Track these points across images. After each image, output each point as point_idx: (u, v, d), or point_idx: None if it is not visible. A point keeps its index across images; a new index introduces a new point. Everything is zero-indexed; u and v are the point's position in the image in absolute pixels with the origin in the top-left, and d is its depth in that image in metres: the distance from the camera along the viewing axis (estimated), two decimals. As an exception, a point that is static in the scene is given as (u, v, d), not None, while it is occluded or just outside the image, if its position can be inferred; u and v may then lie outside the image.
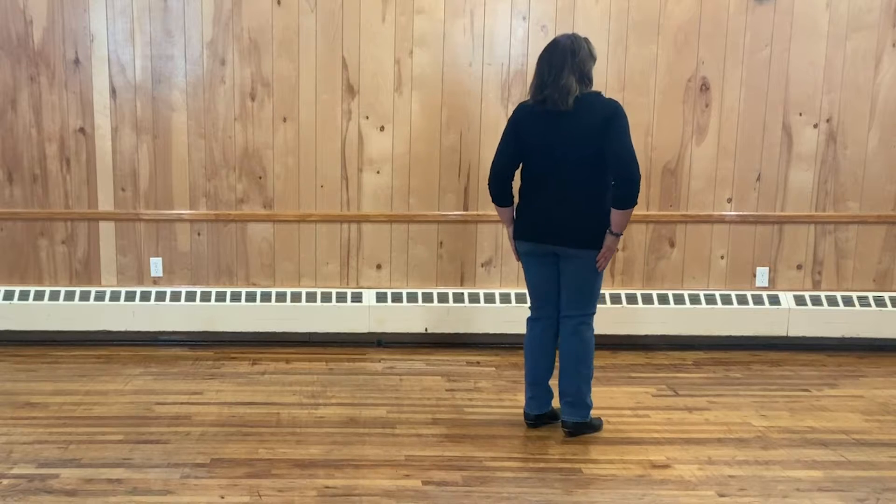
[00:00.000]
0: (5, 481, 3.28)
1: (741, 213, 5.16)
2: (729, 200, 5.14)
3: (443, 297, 5.14)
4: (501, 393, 4.40)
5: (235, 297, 5.11)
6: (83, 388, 4.39)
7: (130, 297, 5.11)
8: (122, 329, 5.11)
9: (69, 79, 4.97)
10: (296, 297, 5.12)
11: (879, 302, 5.15)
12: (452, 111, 5.03)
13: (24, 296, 5.11)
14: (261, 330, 5.13)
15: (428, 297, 5.14)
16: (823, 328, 5.15)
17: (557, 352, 3.85)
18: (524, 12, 4.94)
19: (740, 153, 5.10)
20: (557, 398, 3.87)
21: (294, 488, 3.25)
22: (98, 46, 4.94)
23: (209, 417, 3.99)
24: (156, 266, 5.16)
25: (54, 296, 5.10)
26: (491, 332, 5.14)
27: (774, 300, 5.15)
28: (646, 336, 5.17)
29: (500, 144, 3.84)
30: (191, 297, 5.12)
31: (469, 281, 5.21)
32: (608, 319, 4.82)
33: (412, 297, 5.14)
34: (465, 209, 5.13)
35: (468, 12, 4.94)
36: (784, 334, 5.16)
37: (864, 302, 5.14)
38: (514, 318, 5.05)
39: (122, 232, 5.14)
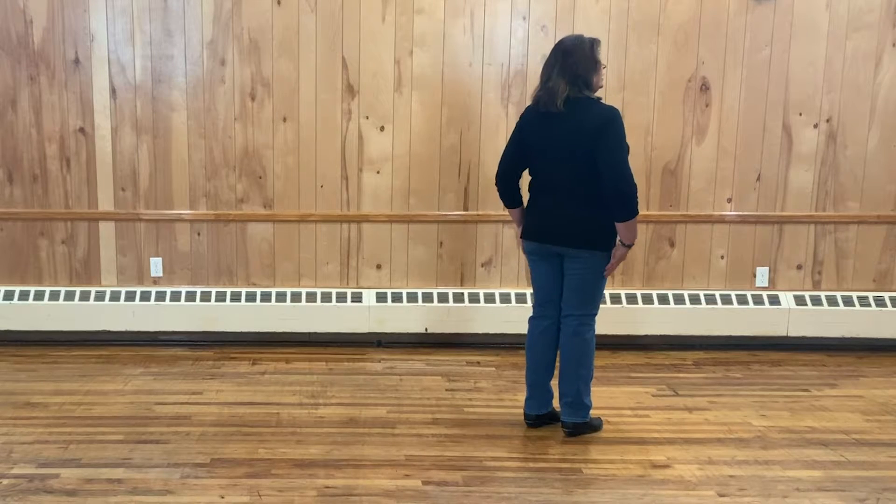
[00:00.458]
0: (5, 481, 3.28)
1: (741, 213, 5.16)
2: (729, 200, 5.15)
3: (443, 297, 5.14)
4: (501, 393, 4.40)
5: (235, 297, 5.11)
6: (83, 388, 4.39)
7: (130, 297, 5.11)
8: (122, 329, 5.11)
9: (69, 79, 4.97)
10: (296, 297, 5.12)
11: (879, 302, 5.15)
12: (452, 111, 5.03)
13: (24, 296, 5.11)
14: (261, 330, 5.13)
15: (428, 297, 5.14)
16: (823, 328, 5.15)
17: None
18: (524, 12, 4.94)
19: (740, 153, 5.10)
20: (558, 399, 3.88)
21: (294, 488, 3.25)
22: (98, 46, 4.94)
23: (209, 417, 3.99)
24: (156, 266, 5.16)
25: (54, 296, 5.10)
26: (491, 332, 5.14)
27: (774, 300, 5.15)
28: (646, 336, 5.17)
29: (505, 146, 3.88)
30: (191, 297, 5.12)
31: (469, 281, 5.21)
32: (608, 319, 4.82)
33: (412, 297, 5.14)
34: (465, 209, 5.13)
35: (468, 12, 4.94)
36: (784, 334, 5.16)
37: (864, 302, 5.14)
38: (514, 318, 5.05)
39: (122, 232, 5.14)
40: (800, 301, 5.15)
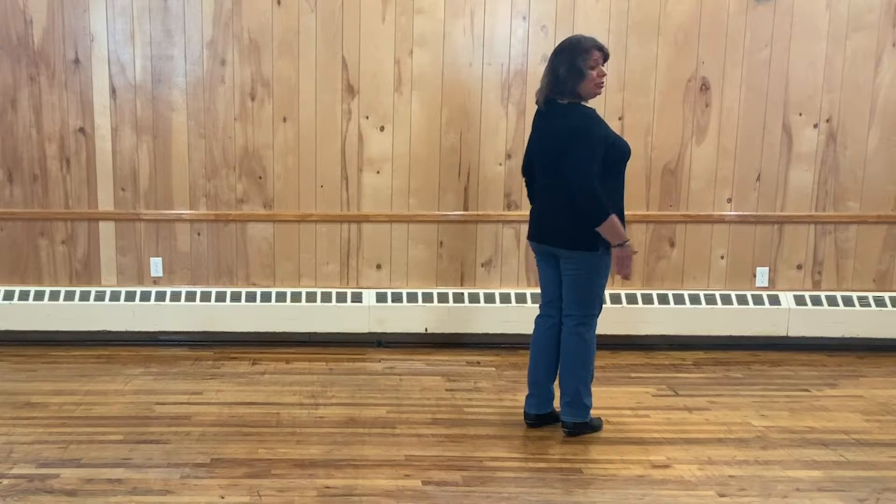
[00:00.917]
0: (5, 481, 3.28)
1: (741, 213, 5.16)
2: (729, 200, 5.14)
3: (443, 297, 5.14)
4: (501, 393, 4.40)
5: (235, 297, 5.11)
6: (83, 388, 4.39)
7: (130, 297, 5.11)
8: (122, 329, 5.11)
9: (69, 79, 4.97)
10: (296, 297, 5.12)
11: (879, 302, 5.15)
12: (452, 111, 5.03)
13: (24, 296, 5.11)
14: (261, 330, 5.13)
15: (428, 297, 5.14)
16: (823, 328, 5.15)
17: None
18: (524, 12, 4.94)
19: (740, 153, 5.10)
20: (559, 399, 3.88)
21: (294, 488, 3.25)
22: (98, 46, 4.94)
23: (209, 417, 3.99)
24: (156, 266, 5.16)
25: (54, 296, 5.10)
26: (491, 332, 5.14)
27: (774, 300, 5.15)
28: (646, 336, 5.17)
29: None
30: (191, 297, 5.12)
31: (469, 281, 5.21)
32: (608, 319, 4.80)
33: (412, 297, 5.14)
34: (465, 209, 5.13)
35: (468, 12, 4.94)
36: (784, 334, 5.16)
37: (864, 302, 5.14)
38: (514, 318, 5.05)
39: (122, 232, 5.14)
40: (800, 301, 5.15)
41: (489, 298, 5.13)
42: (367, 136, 5.05)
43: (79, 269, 5.18)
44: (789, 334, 5.16)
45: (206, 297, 5.12)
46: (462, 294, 5.15)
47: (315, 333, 5.17)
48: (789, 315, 5.13)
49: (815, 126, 5.08)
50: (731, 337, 5.16)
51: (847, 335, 5.15)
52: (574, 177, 3.55)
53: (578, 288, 3.70)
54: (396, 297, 5.13)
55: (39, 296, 5.11)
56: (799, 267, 5.22)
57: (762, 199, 5.14)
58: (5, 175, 5.07)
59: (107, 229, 5.14)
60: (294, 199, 5.11)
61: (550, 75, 3.64)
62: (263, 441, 3.71)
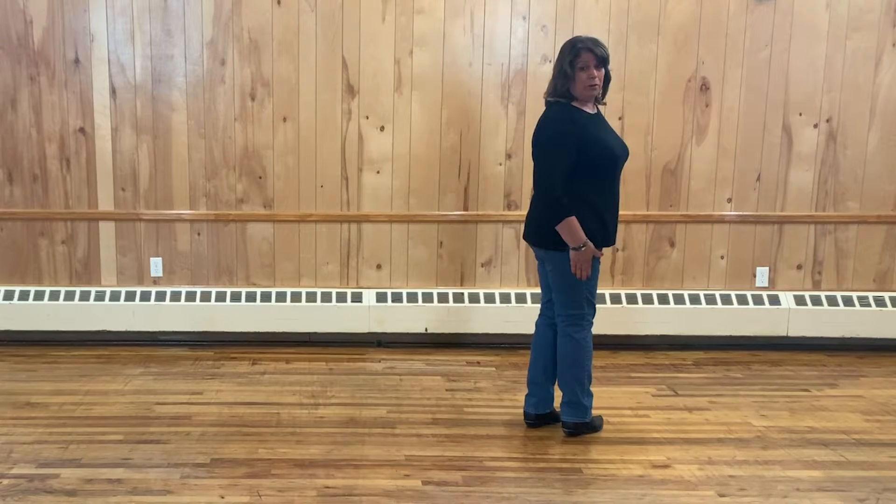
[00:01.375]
0: (5, 481, 3.28)
1: (741, 213, 5.16)
2: (729, 200, 5.14)
3: (443, 297, 5.13)
4: (501, 393, 4.40)
5: (235, 297, 5.11)
6: (83, 388, 4.39)
7: (130, 297, 5.11)
8: (122, 329, 5.11)
9: (69, 79, 4.97)
10: (296, 297, 5.12)
11: (879, 302, 5.15)
12: (452, 111, 5.03)
13: (24, 296, 5.11)
14: (261, 330, 5.12)
15: (428, 297, 5.14)
16: (823, 328, 5.15)
17: None
18: (524, 12, 4.94)
19: (740, 153, 5.10)
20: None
21: (294, 488, 3.25)
22: (98, 46, 4.94)
23: (209, 417, 3.99)
24: (156, 266, 5.16)
25: (54, 296, 5.10)
26: (491, 332, 5.14)
27: (774, 300, 5.15)
28: (646, 336, 5.17)
29: None
30: (191, 297, 5.12)
31: (469, 281, 5.21)
32: (608, 319, 4.82)
33: (412, 297, 5.14)
34: (465, 209, 5.13)
35: (468, 12, 4.94)
36: (784, 334, 5.16)
37: (864, 302, 5.14)
38: (514, 318, 5.05)
39: (122, 232, 5.14)
40: (800, 301, 5.15)
41: (489, 298, 5.13)
42: (367, 136, 5.05)
43: (79, 269, 5.17)
44: (789, 334, 5.15)
45: (206, 297, 5.12)
46: (462, 294, 5.15)
47: (315, 333, 5.17)
48: (789, 315, 5.13)
49: (815, 126, 5.07)
50: (731, 337, 5.16)
51: (847, 335, 5.15)
52: (537, 175, 3.62)
53: (559, 288, 3.71)
54: (396, 297, 5.13)
55: (39, 296, 5.11)
56: (799, 267, 5.22)
57: (762, 199, 5.14)
58: (5, 175, 5.07)
59: (107, 229, 5.14)
60: (294, 199, 5.11)
61: (552, 75, 3.67)
62: (263, 441, 3.71)
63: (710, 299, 5.15)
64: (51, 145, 5.03)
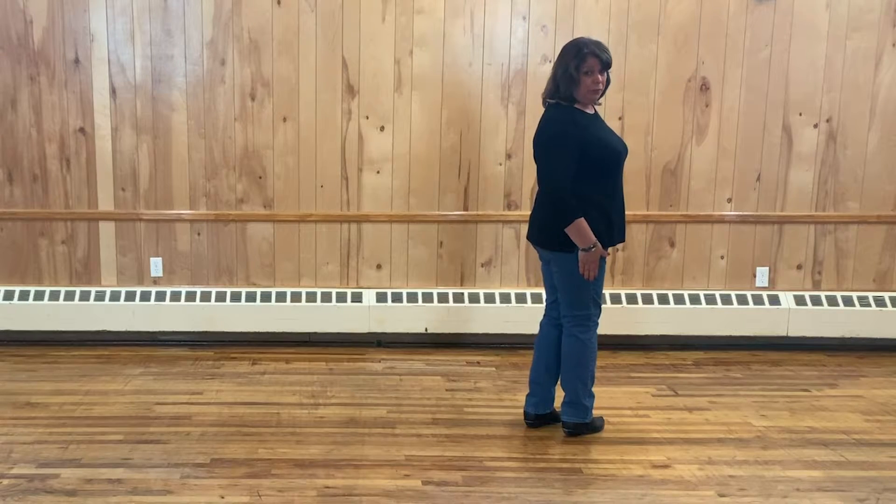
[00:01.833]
0: (5, 481, 3.28)
1: (741, 213, 5.16)
2: (729, 200, 5.14)
3: (443, 297, 5.13)
4: (501, 393, 4.40)
5: (235, 297, 5.11)
6: (83, 388, 4.39)
7: (130, 297, 5.11)
8: (122, 329, 5.11)
9: (69, 79, 4.97)
10: (296, 297, 5.12)
11: (879, 302, 5.15)
12: (452, 111, 5.03)
13: (24, 296, 5.11)
14: (261, 330, 5.12)
15: (428, 297, 5.14)
16: (823, 328, 5.15)
17: None
18: (524, 12, 4.94)
19: (740, 153, 5.10)
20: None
21: (294, 488, 3.26)
22: (98, 46, 4.94)
23: (209, 417, 3.99)
24: (156, 266, 5.16)
25: (54, 296, 5.10)
26: (491, 332, 5.14)
27: (774, 300, 5.15)
28: (646, 336, 5.17)
29: None
30: (191, 297, 5.12)
31: (469, 281, 5.21)
32: (608, 319, 4.80)
33: (412, 297, 5.14)
34: (465, 209, 5.13)
35: (468, 12, 4.94)
36: (784, 334, 5.16)
37: (864, 302, 5.14)
38: (514, 318, 5.05)
39: (122, 232, 5.14)
40: (800, 301, 5.15)
41: (489, 298, 5.13)
42: (367, 136, 5.05)
43: (79, 269, 5.17)
44: (789, 334, 5.15)
45: (206, 297, 5.12)
46: (462, 294, 5.15)
47: (315, 333, 5.17)
48: (789, 315, 5.13)
49: (815, 126, 5.07)
50: (731, 337, 5.16)
51: (847, 335, 5.15)
52: (543, 178, 3.61)
53: (566, 288, 3.71)
54: (396, 297, 5.13)
55: (39, 296, 5.11)
56: (799, 267, 5.22)
57: (762, 199, 5.14)
58: (5, 175, 5.07)
59: (107, 229, 5.14)
60: (294, 199, 5.11)
61: (551, 76, 3.67)
62: (263, 441, 3.71)
63: (710, 299, 5.15)
64: (51, 145, 5.03)
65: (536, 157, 3.69)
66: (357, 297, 5.13)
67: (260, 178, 5.09)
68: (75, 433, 3.77)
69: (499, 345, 5.15)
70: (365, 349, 5.11)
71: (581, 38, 3.69)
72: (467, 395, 4.37)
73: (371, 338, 5.18)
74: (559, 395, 3.87)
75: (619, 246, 5.12)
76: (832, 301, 5.15)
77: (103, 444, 3.66)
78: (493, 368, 4.81)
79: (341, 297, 5.13)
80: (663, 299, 5.15)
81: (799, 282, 5.24)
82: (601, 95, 3.66)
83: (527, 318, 4.92)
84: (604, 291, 4.95)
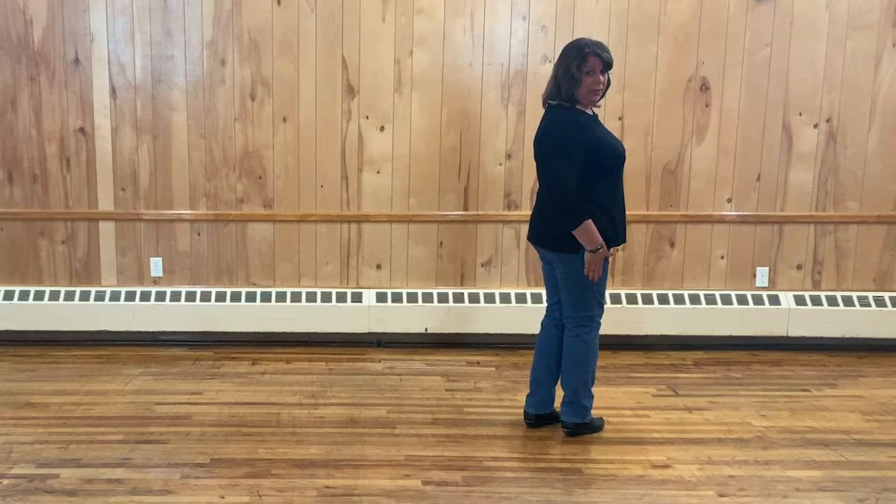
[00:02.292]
0: (5, 481, 3.28)
1: (741, 213, 5.16)
2: (729, 200, 5.14)
3: (443, 297, 5.13)
4: (501, 393, 4.40)
5: (235, 297, 5.11)
6: (83, 388, 4.39)
7: (130, 297, 5.11)
8: (122, 329, 5.11)
9: (69, 79, 4.97)
10: (296, 297, 5.12)
11: (879, 302, 5.14)
12: (452, 111, 5.03)
13: (24, 296, 5.11)
14: (261, 330, 5.12)
15: (428, 297, 5.14)
16: (823, 328, 5.15)
17: None
18: (524, 12, 4.94)
19: (740, 153, 5.10)
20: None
21: (294, 488, 3.26)
22: (98, 46, 4.94)
23: (209, 417, 3.99)
24: (156, 266, 5.16)
25: (54, 296, 5.10)
26: (491, 332, 5.14)
27: (774, 300, 5.15)
28: (646, 336, 5.17)
29: None
30: (191, 297, 5.12)
31: (469, 281, 5.21)
32: (608, 319, 4.76)
33: (412, 297, 5.13)
34: (465, 209, 5.13)
35: (468, 12, 4.94)
36: (784, 334, 5.16)
37: (864, 302, 5.14)
38: (514, 318, 5.05)
39: (122, 232, 5.14)
40: (800, 301, 5.15)
41: (489, 298, 5.13)
42: (367, 136, 5.05)
43: (79, 269, 5.17)
44: (789, 334, 5.15)
45: (206, 297, 5.12)
46: (462, 294, 5.15)
47: (315, 333, 5.17)
48: (789, 315, 5.13)
49: (815, 126, 5.07)
50: (731, 337, 5.16)
51: (847, 335, 5.15)
52: (550, 182, 3.60)
53: (570, 290, 3.71)
54: (396, 297, 5.13)
55: (39, 296, 5.11)
56: (799, 267, 5.22)
57: (762, 199, 5.14)
58: (5, 175, 5.07)
59: (107, 229, 5.14)
60: (294, 199, 5.11)
61: (552, 76, 3.66)
62: (263, 441, 3.71)
63: (710, 299, 5.15)
64: (51, 145, 5.03)
65: (538, 159, 3.69)
66: (357, 297, 5.13)
67: (260, 178, 5.09)
68: (75, 433, 3.77)
69: (499, 345, 5.15)
70: (365, 349, 5.11)
71: (582, 38, 3.68)
72: (467, 395, 4.37)
73: (371, 338, 5.18)
74: (559, 394, 3.87)
75: (619, 246, 5.11)
76: (832, 301, 5.15)
77: (103, 444, 3.66)
78: (493, 368, 4.81)
79: (341, 297, 5.13)
80: (663, 299, 5.15)
81: (799, 282, 5.24)
82: (601, 97, 3.65)
83: (527, 318, 4.92)
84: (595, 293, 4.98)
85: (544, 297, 4.01)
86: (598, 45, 3.59)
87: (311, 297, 5.12)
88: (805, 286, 5.23)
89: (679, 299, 5.15)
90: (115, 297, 5.11)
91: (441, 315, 5.12)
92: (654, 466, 3.51)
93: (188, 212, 5.11)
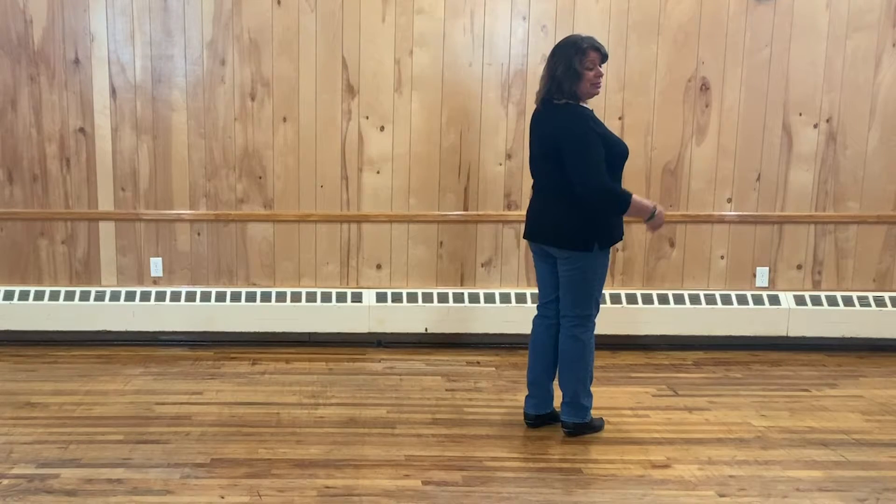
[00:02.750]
0: (5, 481, 3.28)
1: (741, 213, 5.16)
2: (729, 200, 5.14)
3: (443, 297, 5.13)
4: (501, 393, 4.40)
5: (235, 297, 5.11)
6: (83, 388, 4.39)
7: (130, 297, 5.11)
8: (122, 329, 5.11)
9: (69, 79, 4.97)
10: (296, 297, 5.12)
11: (879, 302, 5.15)
12: (452, 111, 5.03)
13: (24, 296, 5.11)
14: (261, 330, 5.12)
15: (428, 297, 5.14)
16: (823, 328, 5.15)
17: None
18: (524, 12, 4.94)
19: (740, 153, 5.10)
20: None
21: (294, 488, 3.26)
22: (98, 46, 4.94)
23: (209, 417, 3.99)
24: (156, 266, 5.16)
25: (54, 296, 5.10)
26: (491, 332, 5.14)
27: (774, 300, 5.15)
28: (646, 336, 5.17)
29: None
30: (191, 297, 5.12)
31: (469, 281, 5.21)
32: (608, 319, 4.81)
33: (412, 297, 5.14)
34: (465, 209, 5.13)
35: (468, 12, 4.94)
36: (784, 334, 5.16)
37: (864, 302, 5.14)
38: (514, 318, 5.05)
39: (122, 232, 5.14)
40: (800, 301, 5.15)
41: (489, 298, 5.13)
42: (367, 136, 5.05)
43: (79, 269, 5.18)
44: (789, 334, 5.15)
45: (206, 297, 5.12)
46: (462, 294, 5.15)
47: (315, 333, 5.18)
48: (789, 315, 5.13)
49: (815, 126, 5.08)
50: (731, 337, 5.16)
51: (847, 335, 5.15)
52: (579, 178, 3.53)
53: (573, 288, 3.70)
54: (396, 297, 5.13)
55: (39, 296, 5.11)
56: (799, 267, 5.22)
57: (762, 199, 5.14)
58: (5, 175, 5.07)
59: (107, 229, 5.14)
60: (294, 199, 5.11)
61: (548, 75, 3.65)
62: (263, 441, 3.71)
63: (710, 299, 5.15)
64: (51, 145, 5.03)
65: (551, 156, 3.62)
66: (357, 297, 5.13)
67: (260, 178, 5.09)
68: (75, 433, 3.77)
69: (499, 345, 5.16)
70: (365, 349, 5.11)
71: (573, 34, 3.71)
72: (467, 395, 4.37)
73: (371, 338, 5.18)
74: (558, 394, 3.87)
75: (619, 246, 5.12)
76: (832, 301, 5.15)
77: (103, 444, 3.66)
78: (493, 368, 4.81)
79: (341, 297, 5.13)
80: (663, 299, 5.15)
81: (799, 282, 5.24)
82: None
83: (527, 318, 4.88)
84: (604, 291, 4.97)
85: (531, 296, 4.00)
86: (592, 39, 3.63)
87: (311, 297, 5.12)
88: (805, 286, 5.24)
89: (679, 299, 5.15)
90: (115, 297, 5.11)
91: (441, 315, 5.12)
92: (654, 466, 3.51)
93: (188, 212, 5.11)
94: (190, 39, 4.94)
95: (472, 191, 5.11)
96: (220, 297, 5.12)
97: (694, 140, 5.08)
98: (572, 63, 3.56)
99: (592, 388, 3.84)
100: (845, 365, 4.95)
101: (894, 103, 5.04)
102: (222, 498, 3.17)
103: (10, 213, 5.10)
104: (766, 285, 5.22)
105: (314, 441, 3.72)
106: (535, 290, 5.07)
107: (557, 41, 3.76)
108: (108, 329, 5.12)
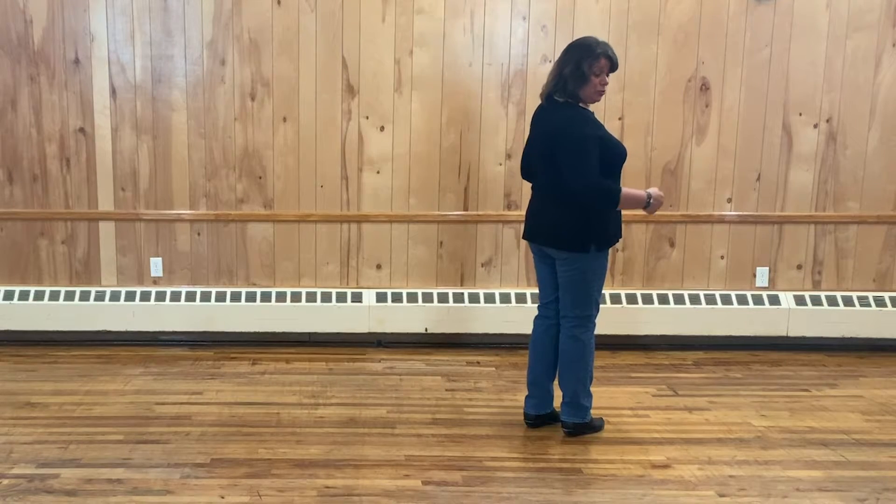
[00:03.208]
0: (5, 481, 3.28)
1: (741, 213, 5.16)
2: (729, 200, 5.14)
3: (443, 297, 5.13)
4: (501, 393, 4.40)
5: (235, 297, 5.11)
6: (83, 388, 4.39)
7: (130, 297, 5.11)
8: (122, 329, 5.11)
9: (69, 79, 4.97)
10: (296, 297, 5.12)
11: (879, 302, 5.15)
12: (452, 111, 5.03)
13: (24, 296, 5.11)
14: (261, 330, 5.12)
15: (428, 297, 5.14)
16: (823, 328, 5.15)
17: None
18: (524, 12, 4.94)
19: (740, 153, 5.10)
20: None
21: (294, 488, 3.26)
22: (98, 46, 4.94)
23: (209, 417, 3.99)
24: (156, 266, 5.16)
25: (54, 296, 5.10)
26: (491, 332, 5.14)
27: (774, 300, 5.15)
28: (646, 336, 5.17)
29: None
30: (191, 297, 5.12)
31: (469, 281, 5.21)
32: (608, 319, 4.81)
33: (412, 297, 5.13)
34: (465, 209, 5.13)
35: (468, 12, 4.94)
36: (784, 334, 5.15)
37: (864, 302, 5.14)
38: (514, 318, 5.05)
39: (122, 232, 5.14)
40: (800, 301, 5.15)
41: (489, 298, 5.13)
42: (367, 136, 5.05)
43: (79, 269, 5.17)
44: (789, 334, 5.15)
45: (206, 297, 5.12)
46: (462, 294, 5.15)
47: (315, 333, 5.17)
48: (789, 315, 5.13)
49: (815, 126, 5.07)
50: (731, 337, 5.16)
51: (847, 335, 5.15)
52: (571, 176, 3.54)
53: (573, 289, 3.70)
54: (396, 297, 5.13)
55: (39, 296, 5.11)
56: (799, 267, 5.22)
57: (762, 199, 5.14)
58: (5, 175, 5.07)
59: (107, 229, 5.14)
60: (294, 199, 5.11)
61: (556, 72, 3.64)
62: (263, 441, 3.71)
63: (710, 299, 5.15)
64: (51, 145, 5.03)
65: (548, 154, 3.64)
66: (357, 297, 5.13)
67: (260, 178, 5.09)
68: (75, 433, 3.77)
69: (499, 345, 5.16)
70: (365, 349, 5.11)
71: (591, 37, 3.69)
72: (467, 395, 4.37)
73: (371, 338, 5.18)
74: (558, 393, 3.87)
75: (619, 246, 5.12)
76: (832, 301, 5.15)
77: (103, 444, 3.66)
78: (493, 368, 4.81)
79: (341, 297, 5.13)
80: (663, 299, 5.15)
81: (799, 282, 5.24)
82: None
83: (527, 318, 4.88)
84: (604, 291, 4.97)
85: (531, 296, 4.00)
86: (608, 46, 3.63)
87: (311, 297, 5.12)
88: (805, 286, 5.23)
89: (679, 299, 5.15)
90: (115, 297, 5.11)
91: (441, 315, 5.12)
92: (654, 466, 3.51)
93: (188, 212, 5.11)
94: (190, 39, 4.94)
95: (472, 191, 5.11)
96: (220, 297, 5.12)
97: (694, 140, 5.08)
98: (581, 65, 3.56)
99: (592, 388, 3.84)
100: (845, 365, 4.95)
101: (894, 103, 5.04)
102: (222, 498, 3.17)
103: (10, 213, 5.10)
104: (766, 285, 5.22)
105: (314, 441, 3.72)
106: (535, 290, 5.07)
107: (559, 41, 3.76)
108: (108, 329, 5.12)
